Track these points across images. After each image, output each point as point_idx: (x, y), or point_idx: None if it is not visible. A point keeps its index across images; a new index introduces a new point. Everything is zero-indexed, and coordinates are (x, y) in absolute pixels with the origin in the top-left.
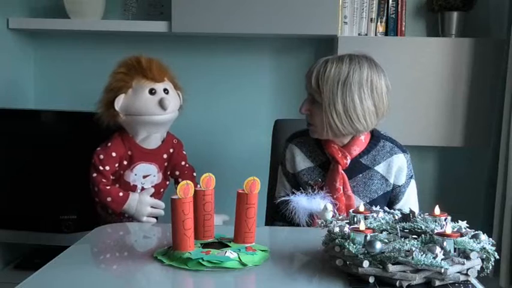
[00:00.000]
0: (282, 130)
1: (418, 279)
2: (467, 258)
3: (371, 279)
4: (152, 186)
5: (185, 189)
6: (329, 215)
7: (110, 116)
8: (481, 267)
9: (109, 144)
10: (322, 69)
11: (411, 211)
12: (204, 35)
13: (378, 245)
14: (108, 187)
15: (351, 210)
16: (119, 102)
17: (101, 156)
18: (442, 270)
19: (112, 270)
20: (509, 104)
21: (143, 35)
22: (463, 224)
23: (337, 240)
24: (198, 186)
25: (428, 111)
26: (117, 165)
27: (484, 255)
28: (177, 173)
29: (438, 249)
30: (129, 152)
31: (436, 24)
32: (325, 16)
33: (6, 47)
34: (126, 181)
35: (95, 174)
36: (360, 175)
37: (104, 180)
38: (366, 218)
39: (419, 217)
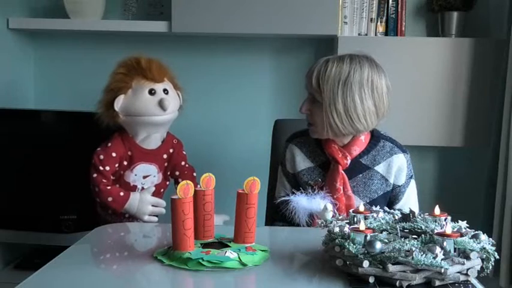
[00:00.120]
0: (282, 130)
1: (418, 279)
2: (467, 258)
3: (371, 279)
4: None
5: (185, 189)
6: (329, 215)
7: (109, 117)
8: (481, 267)
9: (109, 144)
10: (323, 68)
11: (411, 211)
12: (204, 35)
13: (378, 245)
14: (108, 187)
15: (351, 210)
16: (119, 103)
17: (101, 157)
18: (442, 270)
19: (112, 270)
20: (509, 104)
21: (143, 35)
22: (463, 224)
23: (337, 240)
24: (198, 186)
25: (428, 111)
26: (117, 165)
27: (484, 255)
28: (177, 173)
29: (438, 249)
30: (129, 152)
31: (436, 24)
32: (325, 16)
33: (6, 47)
34: (126, 181)
35: (95, 175)
36: (360, 175)
37: (104, 180)
38: (366, 218)
39: (419, 217)
